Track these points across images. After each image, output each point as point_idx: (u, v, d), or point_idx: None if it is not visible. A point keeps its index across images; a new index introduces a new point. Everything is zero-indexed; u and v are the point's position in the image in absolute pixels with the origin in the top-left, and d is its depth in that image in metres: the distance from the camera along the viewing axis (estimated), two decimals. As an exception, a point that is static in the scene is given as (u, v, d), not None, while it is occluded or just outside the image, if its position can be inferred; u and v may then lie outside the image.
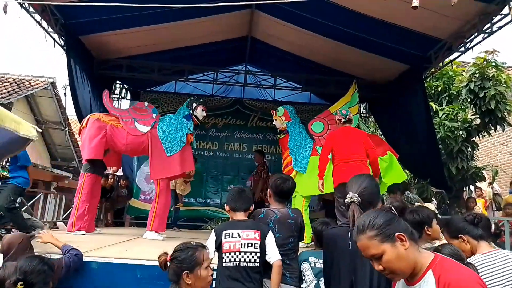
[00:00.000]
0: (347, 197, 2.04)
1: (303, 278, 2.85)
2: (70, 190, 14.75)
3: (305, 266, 2.87)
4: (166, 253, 2.10)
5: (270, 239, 2.64)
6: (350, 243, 2.04)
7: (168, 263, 2.07)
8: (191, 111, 5.78)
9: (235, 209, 2.76)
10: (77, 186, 5.66)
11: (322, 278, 2.69)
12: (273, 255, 2.60)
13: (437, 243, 3.21)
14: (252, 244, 2.57)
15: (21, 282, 1.96)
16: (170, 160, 5.52)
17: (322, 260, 2.71)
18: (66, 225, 5.80)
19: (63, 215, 8.77)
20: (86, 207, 5.48)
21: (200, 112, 5.80)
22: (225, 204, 2.87)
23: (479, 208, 8.01)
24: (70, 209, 8.96)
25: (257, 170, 7.83)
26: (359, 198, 1.99)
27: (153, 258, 3.38)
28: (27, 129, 2.06)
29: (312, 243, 3.60)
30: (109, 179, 7.65)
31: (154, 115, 5.79)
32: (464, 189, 8.31)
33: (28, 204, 6.52)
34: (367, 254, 1.49)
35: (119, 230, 6.76)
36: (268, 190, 3.00)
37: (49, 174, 12.94)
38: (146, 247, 4.45)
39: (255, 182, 7.76)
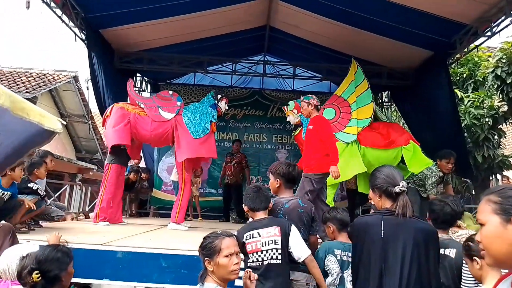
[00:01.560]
0: (401, 186, 2.07)
1: (328, 271, 2.75)
2: (95, 182, 15.10)
3: (331, 259, 2.77)
4: None
5: (294, 236, 2.54)
6: (382, 231, 2.04)
7: None
8: (216, 101, 5.85)
9: (254, 209, 2.70)
10: (102, 178, 5.75)
11: (346, 271, 2.68)
12: (301, 253, 2.52)
13: (460, 232, 3.14)
14: (272, 240, 2.50)
15: (37, 271, 2.00)
16: (197, 142, 5.56)
17: (347, 252, 2.70)
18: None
19: (89, 206, 9.00)
20: (111, 199, 5.56)
21: (223, 105, 5.91)
22: (243, 205, 2.81)
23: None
24: (96, 200, 9.24)
25: (238, 160, 8.14)
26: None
27: (176, 247, 3.44)
28: (52, 122, 2.09)
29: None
30: (133, 174, 7.68)
31: (178, 103, 5.86)
32: (491, 178, 8.11)
33: (55, 196, 6.69)
34: (477, 217, 1.32)
35: (143, 221, 6.89)
36: (275, 178, 2.99)
37: (74, 166, 13.25)
38: (169, 236, 4.52)
39: (235, 170, 8.07)
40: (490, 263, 1.27)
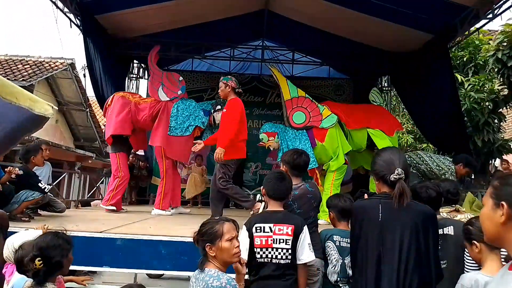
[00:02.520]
0: (395, 174, 2.02)
1: (328, 257, 2.74)
2: (94, 170, 15.10)
3: (329, 245, 2.75)
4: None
5: (304, 238, 2.45)
6: (380, 214, 2.01)
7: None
8: (212, 110, 5.80)
9: (272, 196, 2.55)
10: (113, 167, 5.79)
11: (347, 257, 2.67)
12: (304, 256, 2.43)
13: (459, 216, 3.13)
14: (284, 240, 2.40)
15: (39, 258, 2.01)
16: (168, 137, 5.64)
17: (346, 239, 2.69)
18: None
19: (88, 194, 8.99)
20: (125, 185, 5.80)
21: (218, 117, 5.77)
22: (261, 187, 2.69)
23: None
24: (94, 188, 9.24)
25: None
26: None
27: (176, 234, 3.43)
28: (43, 106, 2.05)
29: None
30: (130, 157, 7.73)
31: (179, 92, 5.87)
32: (490, 162, 8.10)
33: (54, 184, 6.68)
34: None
35: (142, 208, 6.89)
36: (282, 165, 3.00)
37: (73, 154, 13.21)
38: (169, 224, 4.52)
39: None
40: (485, 239, 1.41)
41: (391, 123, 6.15)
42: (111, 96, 5.93)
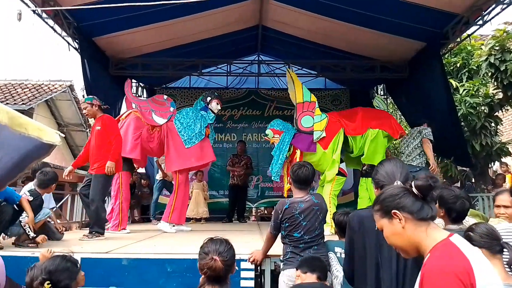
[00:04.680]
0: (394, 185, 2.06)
1: (330, 269, 2.78)
2: (95, 190, 15.04)
3: (331, 257, 2.81)
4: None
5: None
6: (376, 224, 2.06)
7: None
8: (206, 104, 5.86)
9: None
10: (114, 186, 5.72)
11: None
12: None
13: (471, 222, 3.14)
14: None
15: (48, 282, 2.04)
16: (187, 151, 5.62)
17: None
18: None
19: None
20: (128, 205, 5.82)
21: (215, 106, 5.89)
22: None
23: (507, 184, 7.84)
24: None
25: (246, 161, 8.28)
26: None
27: (181, 251, 3.46)
28: (51, 135, 2.11)
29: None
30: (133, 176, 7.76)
31: (171, 109, 5.90)
32: (490, 165, 8.14)
33: (57, 206, 6.69)
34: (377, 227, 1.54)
35: (146, 226, 6.90)
36: (288, 179, 3.09)
37: (74, 175, 13.17)
38: (174, 241, 4.54)
39: (244, 170, 8.18)
40: (407, 256, 1.50)
41: (395, 126, 6.18)
42: (128, 112, 6.06)
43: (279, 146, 5.57)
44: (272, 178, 5.64)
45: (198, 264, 2.10)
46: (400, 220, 1.41)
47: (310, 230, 2.78)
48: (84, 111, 5.23)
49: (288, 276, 2.80)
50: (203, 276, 2.09)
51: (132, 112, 5.97)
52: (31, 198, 3.93)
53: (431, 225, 1.41)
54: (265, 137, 5.89)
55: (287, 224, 2.88)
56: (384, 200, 1.48)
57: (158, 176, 7.96)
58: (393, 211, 1.42)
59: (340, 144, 5.71)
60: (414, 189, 1.45)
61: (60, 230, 4.65)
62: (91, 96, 5.08)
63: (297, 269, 2.58)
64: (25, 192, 4.06)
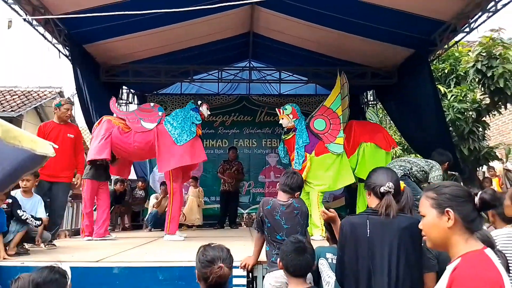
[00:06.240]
0: (386, 187, 2.14)
1: (321, 275, 2.76)
2: (86, 197, 14.90)
3: (322, 262, 2.78)
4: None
5: None
6: (368, 230, 2.09)
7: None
8: (196, 107, 5.87)
9: (290, 272, 2.41)
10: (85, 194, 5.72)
11: None
12: None
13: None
14: None
15: None
16: (179, 149, 5.49)
17: None
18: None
19: (80, 222, 8.88)
20: (89, 213, 5.67)
21: (205, 109, 5.87)
22: (278, 259, 2.56)
23: (494, 187, 7.96)
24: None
25: (237, 167, 8.27)
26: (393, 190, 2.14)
27: (173, 259, 3.45)
28: (44, 147, 2.11)
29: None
30: (119, 184, 7.71)
31: (159, 113, 5.85)
32: (478, 169, 8.25)
33: (47, 214, 6.61)
34: (419, 209, 1.59)
35: (137, 234, 6.86)
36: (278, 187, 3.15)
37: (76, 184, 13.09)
38: (165, 248, 4.53)
39: (235, 176, 8.20)
40: (430, 246, 1.56)
41: (387, 138, 6.29)
42: (100, 118, 5.94)
43: (301, 135, 5.71)
44: (294, 166, 5.64)
45: (200, 273, 2.03)
46: (449, 219, 1.45)
47: (291, 233, 2.81)
48: (67, 112, 5.20)
49: (275, 278, 2.82)
50: (203, 284, 2.03)
51: (104, 117, 5.85)
52: (25, 216, 3.95)
53: (473, 235, 1.46)
54: (280, 110, 5.88)
55: (269, 225, 2.95)
56: (444, 195, 1.50)
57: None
58: (447, 209, 1.46)
59: (340, 165, 5.86)
60: (476, 199, 1.48)
61: (37, 242, 4.29)
62: (72, 101, 5.20)
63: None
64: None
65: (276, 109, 6.07)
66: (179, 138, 5.53)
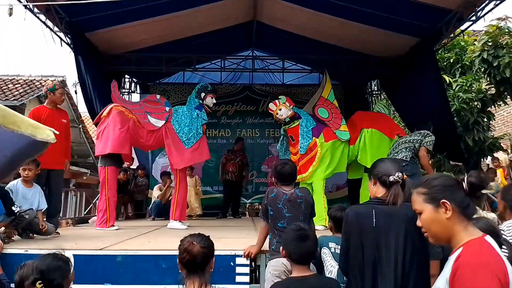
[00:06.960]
0: (396, 176, 2.12)
1: (324, 264, 2.78)
2: (89, 186, 15.02)
3: (325, 252, 2.79)
4: None
5: None
6: (374, 220, 2.07)
7: None
8: (201, 101, 5.80)
9: (293, 260, 2.31)
10: (100, 181, 5.59)
11: None
12: None
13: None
14: None
15: (40, 281, 2.01)
16: (188, 151, 5.64)
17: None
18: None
19: (84, 211, 8.95)
20: (116, 202, 5.66)
21: (209, 101, 5.84)
22: (281, 248, 2.47)
23: (498, 178, 7.92)
24: (91, 205, 9.18)
25: (242, 158, 8.19)
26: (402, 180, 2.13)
27: (176, 248, 3.44)
28: (45, 132, 2.08)
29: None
30: (122, 173, 7.67)
31: (167, 108, 5.79)
32: (482, 160, 8.20)
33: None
34: (413, 207, 1.60)
35: (140, 223, 6.88)
36: (272, 177, 3.19)
37: (68, 171, 13.13)
38: (168, 237, 4.53)
39: (239, 167, 8.12)
40: (433, 241, 1.56)
41: (392, 126, 6.27)
42: (109, 108, 5.58)
43: (307, 119, 5.73)
44: (300, 151, 5.64)
45: (178, 259, 2.11)
46: (447, 210, 1.46)
47: (293, 222, 2.80)
48: (62, 97, 5.13)
49: (274, 266, 2.85)
50: (181, 267, 2.09)
51: (114, 107, 5.55)
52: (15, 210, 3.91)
53: (470, 222, 1.48)
54: (276, 101, 5.75)
55: (272, 213, 3.01)
56: (435, 187, 1.51)
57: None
58: (442, 200, 1.47)
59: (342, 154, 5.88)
60: (465, 184, 1.49)
61: (43, 228, 4.25)
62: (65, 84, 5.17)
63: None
64: None
65: (270, 104, 5.85)
66: (187, 142, 5.63)
